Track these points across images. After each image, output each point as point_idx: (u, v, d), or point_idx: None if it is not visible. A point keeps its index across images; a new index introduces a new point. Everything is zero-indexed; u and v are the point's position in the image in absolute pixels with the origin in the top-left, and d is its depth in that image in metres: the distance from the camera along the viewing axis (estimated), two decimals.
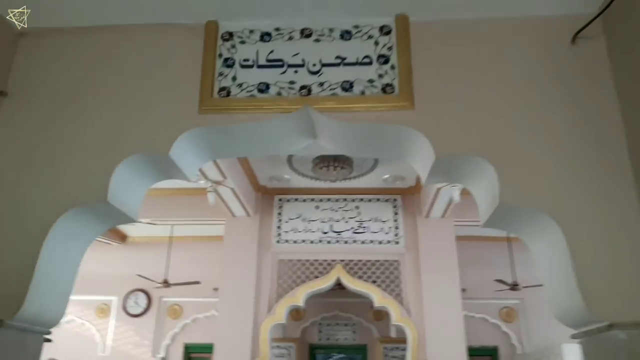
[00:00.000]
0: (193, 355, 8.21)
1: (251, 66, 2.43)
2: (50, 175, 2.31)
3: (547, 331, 7.41)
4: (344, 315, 8.34)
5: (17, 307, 2.05)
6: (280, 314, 6.09)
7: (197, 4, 2.43)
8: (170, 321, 8.28)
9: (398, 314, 6.03)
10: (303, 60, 2.41)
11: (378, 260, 6.34)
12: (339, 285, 6.39)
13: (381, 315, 7.90)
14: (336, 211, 6.56)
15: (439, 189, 5.57)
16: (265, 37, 2.47)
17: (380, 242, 6.39)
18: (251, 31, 2.49)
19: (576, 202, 2.10)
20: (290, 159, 5.82)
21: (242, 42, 2.48)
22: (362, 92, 2.32)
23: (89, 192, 2.24)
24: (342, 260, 6.32)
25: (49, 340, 2.34)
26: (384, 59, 2.38)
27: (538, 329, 7.76)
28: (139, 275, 7.68)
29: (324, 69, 2.38)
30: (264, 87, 2.37)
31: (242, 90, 2.38)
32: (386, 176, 6.23)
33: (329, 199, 6.62)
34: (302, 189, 6.62)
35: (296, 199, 6.68)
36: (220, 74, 2.43)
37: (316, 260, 6.37)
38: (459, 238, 6.51)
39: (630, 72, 2.16)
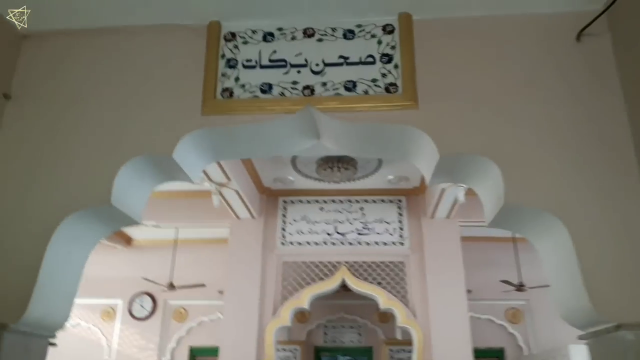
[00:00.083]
0: (198, 358, 8.18)
1: (254, 67, 2.42)
2: (53, 178, 2.31)
3: (554, 332, 7.36)
4: (349, 318, 8.31)
5: (22, 311, 2.04)
6: (285, 316, 6.08)
7: (200, 4, 2.43)
8: (175, 324, 8.27)
9: (403, 315, 6.01)
10: (306, 60, 2.40)
11: (383, 262, 6.32)
12: (344, 287, 6.38)
13: (387, 317, 7.87)
14: (340, 212, 6.55)
15: (443, 190, 5.55)
16: (267, 37, 2.46)
17: (385, 244, 6.37)
18: (254, 31, 2.48)
19: (582, 201, 2.08)
20: (294, 160, 5.82)
21: (245, 43, 2.47)
22: (366, 92, 2.31)
23: (92, 195, 2.23)
24: (346, 262, 6.31)
25: (53, 344, 2.33)
26: (387, 58, 2.36)
27: (545, 330, 7.71)
28: (145, 279, 7.67)
29: (327, 69, 2.37)
30: (266, 88, 2.36)
31: (245, 91, 2.38)
32: (390, 177, 6.21)
33: (333, 201, 6.61)
34: (307, 190, 6.61)
35: (300, 201, 6.67)
36: (223, 75, 2.42)
37: (321, 262, 6.36)
38: (464, 239, 6.48)
39: (636, 69, 2.14)
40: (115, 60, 2.51)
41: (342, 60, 2.38)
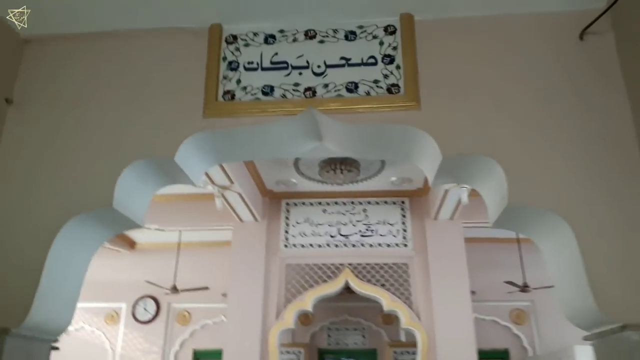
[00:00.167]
0: None
1: (255, 69, 2.42)
2: (55, 182, 2.30)
3: (559, 333, 7.31)
4: (353, 320, 8.30)
5: (23, 315, 2.04)
6: (289, 319, 6.06)
7: (201, 7, 2.43)
8: (179, 327, 8.27)
9: (407, 317, 5.98)
10: (307, 61, 2.39)
11: (386, 264, 6.30)
12: (347, 289, 6.36)
13: (390, 319, 7.85)
14: (344, 214, 6.53)
15: (447, 191, 5.53)
16: (269, 39, 2.46)
17: (388, 245, 6.35)
18: (255, 34, 2.48)
19: (586, 201, 2.07)
20: (297, 162, 5.81)
21: (246, 45, 2.47)
22: (367, 93, 2.30)
23: (94, 198, 2.23)
24: (350, 264, 6.29)
25: (56, 348, 2.33)
26: (389, 59, 2.36)
27: (549, 331, 7.67)
28: (148, 282, 7.68)
29: (329, 70, 2.36)
30: (268, 90, 2.36)
31: (246, 93, 2.37)
32: (393, 178, 6.20)
33: (336, 203, 6.59)
34: (309, 192, 6.59)
35: (303, 203, 6.65)
36: (225, 77, 2.42)
37: (324, 265, 6.34)
38: (468, 240, 6.45)
39: None
40: (117, 63, 2.51)
41: (343, 62, 2.37)
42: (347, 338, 8.39)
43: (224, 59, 2.46)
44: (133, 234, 8.19)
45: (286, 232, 6.53)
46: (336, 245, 6.38)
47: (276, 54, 2.43)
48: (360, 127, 2.30)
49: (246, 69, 2.42)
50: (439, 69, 2.33)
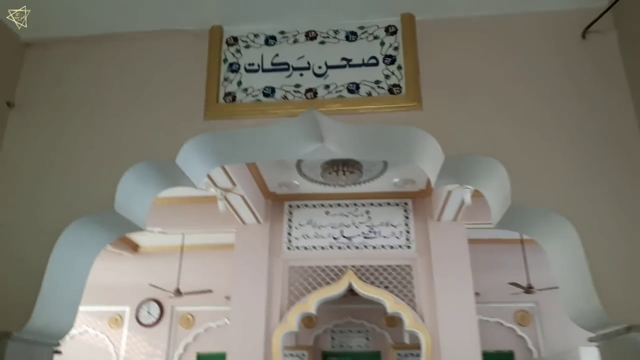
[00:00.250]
0: None
1: (256, 70, 2.41)
2: (56, 185, 2.30)
3: (564, 334, 7.27)
4: (356, 322, 8.28)
5: (25, 319, 2.04)
6: (292, 321, 6.05)
7: (202, 9, 2.42)
8: (182, 330, 8.26)
9: (411, 319, 5.96)
10: (308, 62, 2.39)
11: (390, 265, 6.28)
12: (350, 292, 6.34)
13: (394, 321, 7.83)
14: (346, 216, 6.52)
15: (450, 192, 5.51)
16: (270, 40, 2.46)
17: (391, 247, 6.34)
18: (256, 35, 2.47)
19: (590, 201, 2.05)
20: (299, 164, 5.80)
21: (247, 47, 2.47)
22: (369, 94, 2.29)
23: (95, 201, 2.23)
24: (353, 266, 6.28)
25: (58, 352, 2.32)
26: (390, 60, 2.35)
27: (554, 332, 7.63)
28: (151, 285, 7.67)
29: (330, 71, 2.35)
30: (269, 91, 2.35)
31: (247, 95, 2.37)
32: (396, 180, 6.19)
33: (338, 204, 6.58)
34: (312, 194, 6.58)
35: (306, 205, 6.64)
36: (226, 79, 2.42)
37: (327, 267, 6.33)
38: (472, 241, 6.43)
39: None
40: (118, 66, 2.50)
41: (344, 63, 2.37)
42: (351, 340, 8.37)
43: (225, 60, 2.45)
44: (136, 237, 8.20)
45: (289, 234, 6.52)
46: (339, 247, 6.36)
47: (277, 55, 2.42)
48: (362, 128, 2.29)
49: (247, 70, 2.42)
50: (440, 69, 2.32)
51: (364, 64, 2.35)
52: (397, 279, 6.22)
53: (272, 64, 2.41)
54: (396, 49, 2.36)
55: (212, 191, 5.63)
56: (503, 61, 2.31)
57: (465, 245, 6.25)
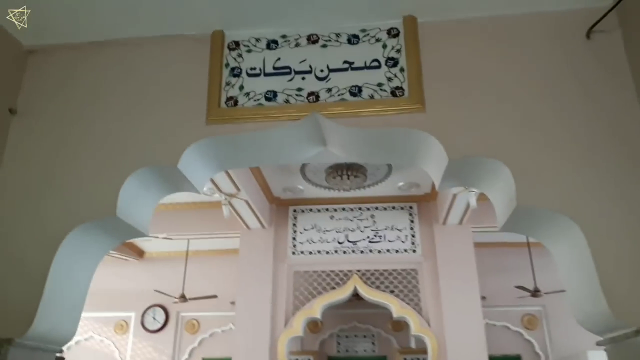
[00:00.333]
0: None
1: (258, 74, 2.40)
2: (59, 191, 2.30)
3: (572, 338, 7.21)
4: (362, 327, 8.24)
5: (27, 325, 2.03)
6: (298, 326, 6.02)
7: (203, 14, 2.42)
8: (188, 336, 8.26)
9: (417, 324, 5.93)
10: (310, 66, 2.38)
11: (395, 270, 6.25)
12: (356, 296, 6.31)
13: (400, 326, 7.79)
14: (351, 220, 6.50)
15: (455, 195, 5.48)
16: (271, 44, 2.45)
17: (397, 251, 6.31)
18: (257, 39, 2.47)
19: (596, 202, 2.02)
20: (303, 169, 5.79)
21: (249, 51, 2.46)
22: (371, 96, 2.28)
23: (97, 207, 2.22)
24: (358, 271, 6.25)
25: (61, 359, 2.31)
26: (392, 62, 2.33)
27: (562, 336, 7.57)
28: (157, 291, 7.68)
29: (332, 75, 2.34)
30: (271, 95, 2.34)
31: (249, 99, 2.36)
32: (401, 183, 6.16)
33: (343, 209, 6.56)
34: (316, 199, 6.57)
35: (310, 210, 6.63)
36: (228, 84, 2.41)
37: (332, 271, 6.31)
38: (477, 244, 6.39)
39: None
40: (120, 72, 2.50)
41: (346, 66, 2.35)
42: (357, 345, 8.33)
43: (227, 65, 2.44)
44: (142, 243, 8.22)
45: (294, 239, 6.51)
46: (344, 252, 6.34)
47: (279, 59, 2.41)
48: (365, 131, 2.27)
49: (249, 74, 2.41)
50: (443, 71, 2.30)
51: (366, 67, 2.34)
52: (403, 283, 6.19)
53: (274, 67, 2.40)
54: (398, 51, 2.35)
55: (217, 196, 5.63)
56: (506, 62, 2.29)
57: (471, 248, 6.22)
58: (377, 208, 6.53)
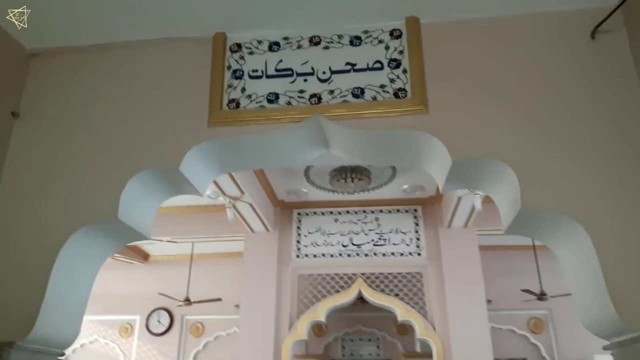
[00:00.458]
0: None
1: (260, 77, 2.40)
2: (61, 194, 2.29)
3: (578, 342, 7.15)
4: (367, 330, 8.21)
5: (29, 328, 2.02)
6: (302, 330, 6.01)
7: (205, 16, 2.41)
8: (192, 339, 8.24)
9: (422, 327, 5.90)
10: (312, 68, 2.36)
11: (400, 273, 6.23)
12: (360, 300, 6.29)
13: (405, 330, 7.75)
14: (355, 223, 6.48)
15: (460, 198, 5.45)
16: (273, 46, 2.44)
17: (401, 254, 6.28)
18: (259, 41, 2.46)
19: (603, 204, 1.99)
20: (307, 172, 5.78)
21: (251, 53, 2.45)
22: (374, 98, 2.26)
23: (99, 210, 2.22)
24: (363, 274, 6.23)
25: None
26: (395, 63, 2.32)
27: (568, 340, 7.51)
28: (161, 294, 7.68)
29: (334, 76, 2.33)
30: (273, 97, 2.33)
31: (251, 101, 2.35)
32: (405, 186, 6.14)
33: (347, 212, 6.55)
34: (321, 202, 6.56)
35: (315, 213, 6.61)
36: (229, 86, 2.40)
37: (337, 275, 6.29)
38: (483, 248, 6.36)
39: None
40: (122, 74, 2.50)
41: (349, 67, 2.34)
42: (362, 349, 8.29)
43: (229, 67, 2.44)
44: (146, 246, 8.23)
45: (298, 242, 6.49)
46: (348, 255, 6.32)
47: (281, 61, 2.41)
48: (367, 133, 2.26)
49: (251, 77, 2.40)
50: (446, 72, 2.28)
51: (368, 69, 2.33)
52: (408, 287, 6.16)
53: (276, 70, 2.40)
54: (401, 52, 2.33)
55: (221, 200, 5.62)
56: (510, 63, 2.27)
57: (476, 251, 6.18)
58: (381, 211, 6.51)
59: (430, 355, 6.00)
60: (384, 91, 2.27)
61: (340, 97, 2.29)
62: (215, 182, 5.07)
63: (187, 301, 7.40)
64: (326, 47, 2.40)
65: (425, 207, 6.50)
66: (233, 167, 2.67)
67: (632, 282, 1.87)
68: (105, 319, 8.22)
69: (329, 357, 8.20)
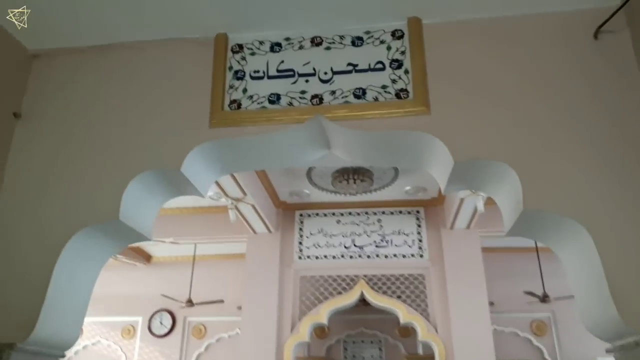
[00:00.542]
0: None
1: (262, 77, 2.39)
2: (62, 195, 2.29)
3: (581, 345, 7.12)
4: (369, 332, 8.18)
5: (29, 330, 2.01)
6: (304, 332, 5.99)
7: (207, 17, 2.41)
8: (195, 341, 8.24)
9: (424, 330, 5.88)
10: (314, 69, 2.36)
11: (402, 275, 6.21)
12: (363, 302, 6.28)
13: (407, 332, 7.73)
14: (358, 225, 6.47)
15: (462, 200, 5.44)
16: (275, 47, 2.43)
17: (404, 256, 6.26)
18: (261, 42, 2.46)
19: (605, 205, 1.98)
20: (309, 173, 5.77)
21: (252, 54, 2.45)
22: (376, 99, 2.25)
23: (100, 211, 2.21)
24: (365, 276, 6.22)
25: None
26: (397, 64, 2.31)
27: (571, 342, 7.48)
28: (163, 295, 7.68)
29: (336, 77, 2.32)
30: (275, 98, 2.33)
31: (253, 102, 2.34)
32: (408, 188, 6.12)
33: (350, 213, 6.54)
34: (323, 203, 6.55)
35: (317, 214, 6.61)
36: (231, 87, 2.40)
37: (339, 276, 6.28)
38: (485, 249, 6.34)
39: None
40: (123, 75, 2.50)
41: (350, 68, 2.33)
42: (364, 351, 8.27)
43: (230, 68, 2.43)
44: (149, 248, 8.23)
45: (300, 243, 6.49)
46: (351, 257, 6.31)
47: (282, 61, 2.40)
48: (369, 134, 2.25)
49: (252, 77, 2.40)
50: (448, 73, 2.27)
51: (370, 69, 2.32)
52: (410, 289, 6.15)
53: (278, 70, 2.39)
54: (403, 53, 2.33)
55: (223, 201, 5.62)
56: (513, 63, 2.26)
57: (479, 253, 6.16)
58: (383, 212, 6.50)
59: (432, 357, 5.98)
60: (385, 92, 2.26)
61: (342, 97, 2.28)
62: (217, 184, 5.07)
63: (190, 303, 7.40)
64: (328, 48, 2.39)
65: (428, 208, 6.49)
66: (234, 168, 2.66)
67: (635, 285, 1.85)
68: (108, 321, 8.23)
69: None
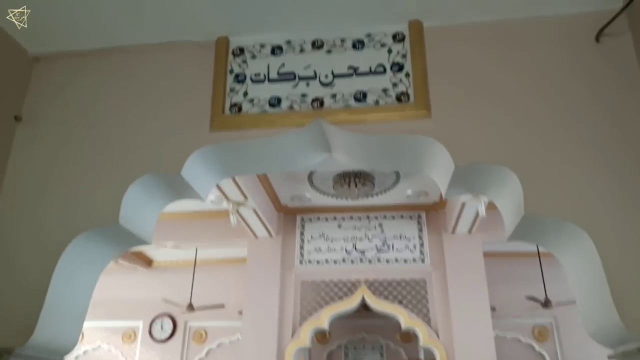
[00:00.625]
0: None
1: (262, 81, 2.38)
2: (62, 199, 2.28)
3: (584, 351, 7.07)
4: (370, 338, 8.14)
5: (28, 334, 2.00)
6: (305, 337, 5.98)
7: (208, 20, 2.41)
8: (195, 346, 8.21)
9: (426, 335, 5.86)
10: (315, 72, 2.35)
11: (404, 280, 6.20)
12: (364, 307, 6.26)
13: (409, 337, 7.69)
14: (359, 229, 6.46)
15: (464, 204, 5.43)
16: (276, 50, 2.43)
17: (405, 261, 6.25)
18: (262, 45, 2.45)
19: (607, 210, 1.96)
20: (310, 177, 5.77)
21: (253, 57, 2.44)
22: (376, 102, 2.25)
23: (100, 215, 2.20)
24: (366, 280, 6.20)
25: None
26: (398, 67, 2.30)
27: (574, 348, 7.43)
28: (165, 300, 7.66)
29: (336, 80, 2.32)
30: (275, 102, 2.32)
31: (253, 105, 2.34)
32: (409, 192, 6.11)
33: (351, 217, 6.53)
34: (324, 207, 6.55)
35: (318, 218, 6.60)
36: (232, 90, 2.39)
37: (340, 281, 6.27)
38: (487, 254, 6.32)
39: None
40: (124, 78, 2.50)
41: (351, 71, 2.33)
42: (365, 357, 8.22)
43: (231, 71, 2.43)
44: (150, 252, 8.21)
45: (301, 247, 6.48)
46: (352, 261, 6.30)
47: (283, 65, 2.39)
48: (370, 137, 2.24)
49: (253, 81, 2.39)
50: (449, 76, 2.26)
51: (371, 72, 2.31)
52: (412, 294, 6.13)
53: (278, 73, 2.38)
54: (404, 56, 2.32)
55: (224, 205, 5.62)
56: (514, 67, 2.25)
57: (480, 258, 6.15)
58: (385, 217, 6.49)
59: None
60: (386, 95, 2.26)
61: (343, 101, 2.27)
62: (218, 187, 5.07)
63: (190, 307, 7.38)
64: (329, 51, 2.39)
65: (429, 212, 6.48)
66: (235, 172, 2.65)
67: (637, 290, 1.83)
68: (109, 325, 8.20)
69: None
